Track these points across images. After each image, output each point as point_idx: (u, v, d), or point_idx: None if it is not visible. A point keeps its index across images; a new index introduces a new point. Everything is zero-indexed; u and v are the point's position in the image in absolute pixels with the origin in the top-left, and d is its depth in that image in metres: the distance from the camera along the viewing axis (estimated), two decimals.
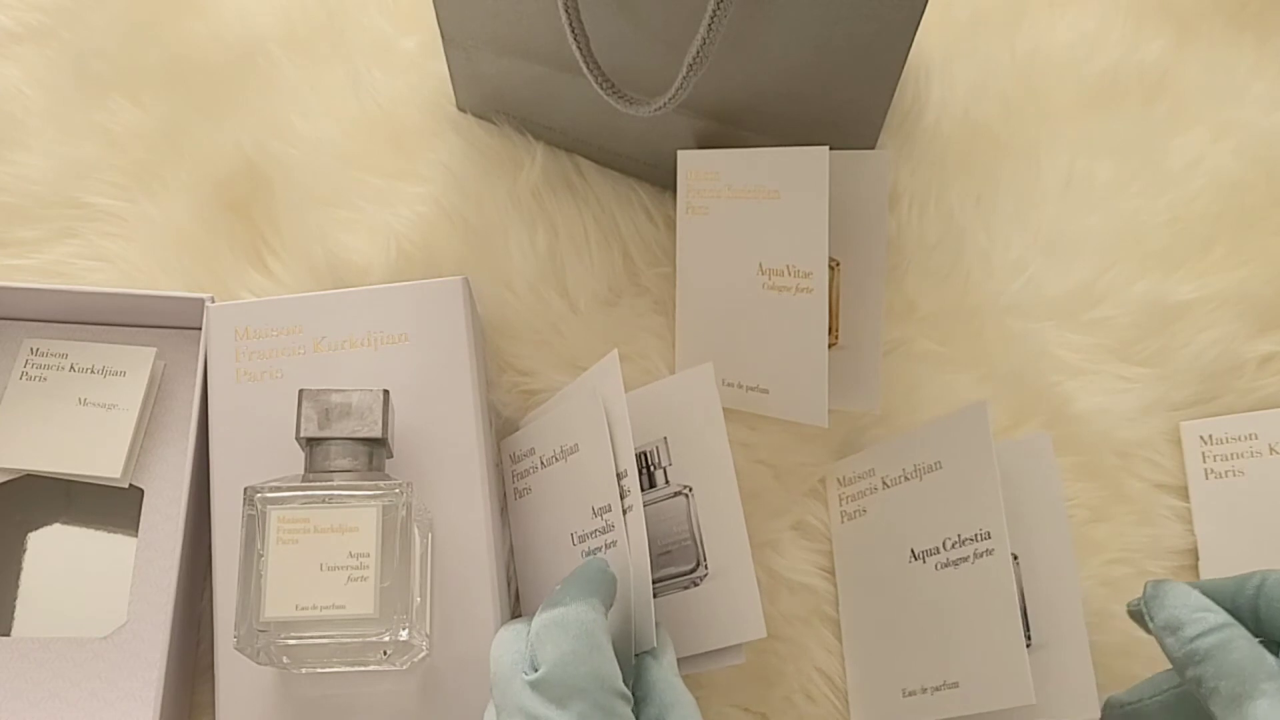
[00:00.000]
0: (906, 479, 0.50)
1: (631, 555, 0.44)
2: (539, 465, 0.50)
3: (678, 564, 0.48)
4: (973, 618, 0.47)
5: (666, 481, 0.49)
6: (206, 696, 0.50)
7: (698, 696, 0.51)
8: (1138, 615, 0.42)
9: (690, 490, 0.48)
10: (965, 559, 0.47)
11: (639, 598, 0.43)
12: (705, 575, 0.48)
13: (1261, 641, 0.38)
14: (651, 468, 0.50)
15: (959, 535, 0.48)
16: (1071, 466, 0.52)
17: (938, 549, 0.49)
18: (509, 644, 0.39)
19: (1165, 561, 0.52)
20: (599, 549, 0.46)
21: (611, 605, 0.41)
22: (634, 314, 0.56)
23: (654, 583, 0.46)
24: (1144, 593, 0.41)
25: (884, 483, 0.51)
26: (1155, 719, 0.42)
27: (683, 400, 0.49)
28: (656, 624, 0.42)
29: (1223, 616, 0.38)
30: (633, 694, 0.39)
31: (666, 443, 0.49)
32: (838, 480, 0.54)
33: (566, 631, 0.37)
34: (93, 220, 0.59)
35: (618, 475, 0.46)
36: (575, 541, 0.48)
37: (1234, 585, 0.40)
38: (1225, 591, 0.40)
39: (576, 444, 0.48)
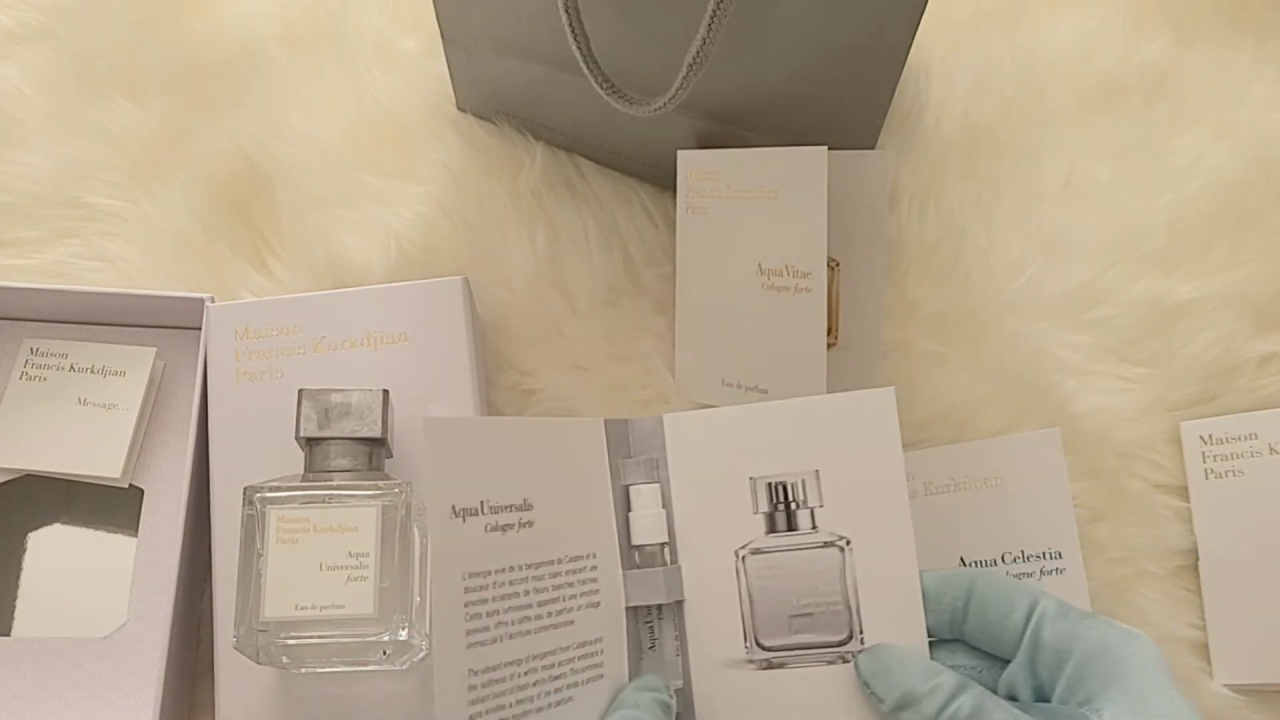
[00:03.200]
0: None
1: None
2: None
3: (820, 631, 0.41)
4: None
5: (814, 526, 0.41)
6: (206, 696, 0.50)
7: None
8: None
9: (848, 543, 0.41)
10: None
11: None
12: (860, 650, 0.40)
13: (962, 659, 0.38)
14: (792, 505, 0.42)
15: None
16: (1072, 466, 0.52)
17: None
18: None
19: (1165, 561, 0.52)
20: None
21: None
22: (634, 314, 0.56)
23: (784, 650, 0.41)
24: (858, 670, 0.38)
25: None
26: None
27: (848, 425, 0.41)
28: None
29: (954, 676, 0.36)
30: None
31: (818, 477, 0.41)
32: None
33: None
34: (93, 220, 0.59)
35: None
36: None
37: (937, 585, 0.39)
38: (929, 592, 0.39)
39: None
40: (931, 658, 0.39)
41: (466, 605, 0.36)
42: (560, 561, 0.40)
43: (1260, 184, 0.57)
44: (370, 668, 0.43)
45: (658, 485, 0.43)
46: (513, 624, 0.37)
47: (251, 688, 0.45)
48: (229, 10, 0.63)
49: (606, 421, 0.44)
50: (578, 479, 0.42)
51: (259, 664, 0.42)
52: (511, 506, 0.38)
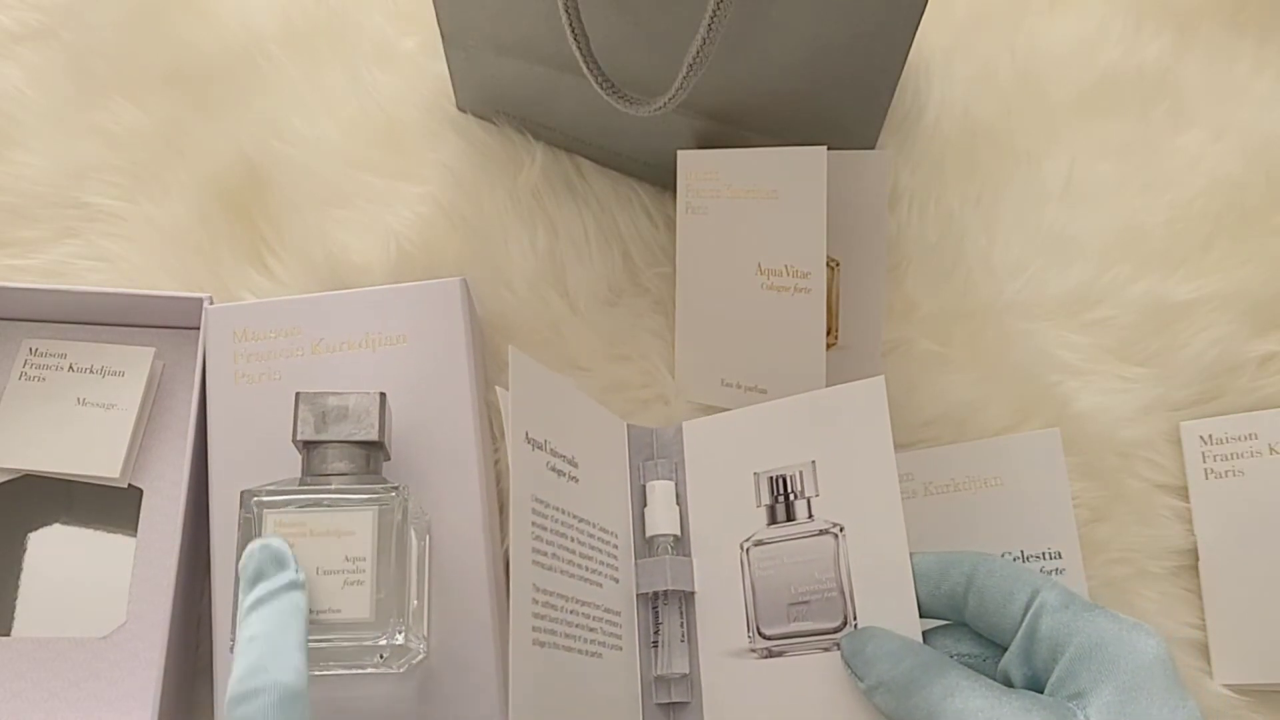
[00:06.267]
0: None
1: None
2: None
3: (816, 619, 0.41)
4: None
5: (810, 515, 0.42)
6: (206, 696, 0.50)
7: None
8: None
9: (842, 530, 0.41)
10: None
11: None
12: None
13: (959, 631, 0.38)
14: (790, 496, 0.43)
15: None
16: (1072, 466, 0.52)
17: None
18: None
19: (1165, 561, 0.52)
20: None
21: None
22: (634, 314, 0.56)
23: (783, 639, 0.42)
24: (842, 651, 0.39)
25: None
26: None
27: (842, 417, 0.42)
28: None
29: (928, 655, 0.36)
30: None
31: (814, 468, 0.42)
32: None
33: None
34: (93, 220, 0.59)
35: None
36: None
37: (939, 568, 0.38)
38: (930, 574, 0.38)
39: None
40: (937, 644, 0.39)
41: (533, 524, 0.39)
42: (594, 525, 0.43)
43: (1260, 184, 0.57)
44: (367, 671, 0.43)
45: (672, 482, 0.46)
46: (563, 560, 0.40)
47: None
48: (229, 10, 0.63)
49: (630, 426, 0.47)
50: (606, 462, 0.45)
51: None
52: (565, 458, 0.42)
